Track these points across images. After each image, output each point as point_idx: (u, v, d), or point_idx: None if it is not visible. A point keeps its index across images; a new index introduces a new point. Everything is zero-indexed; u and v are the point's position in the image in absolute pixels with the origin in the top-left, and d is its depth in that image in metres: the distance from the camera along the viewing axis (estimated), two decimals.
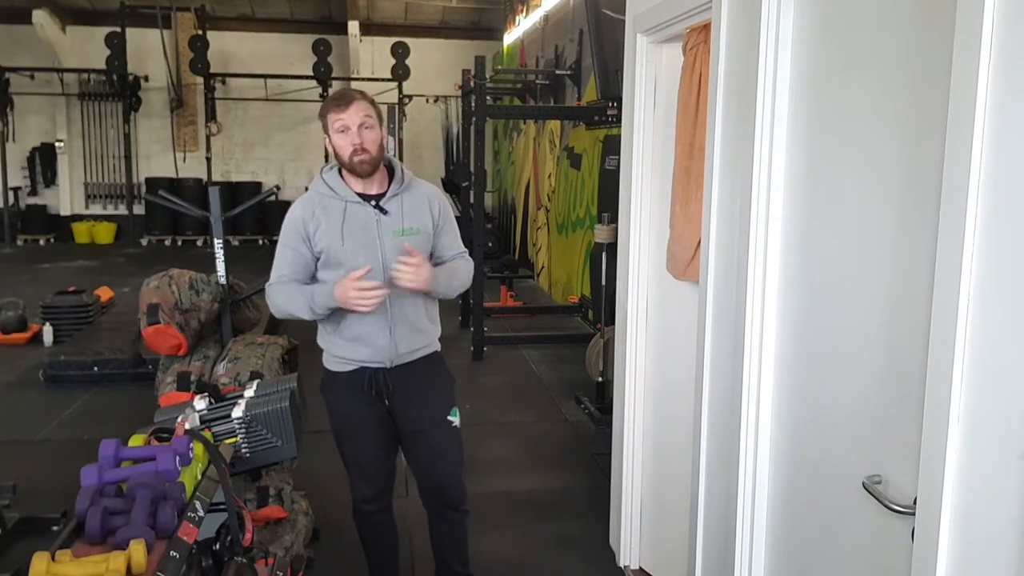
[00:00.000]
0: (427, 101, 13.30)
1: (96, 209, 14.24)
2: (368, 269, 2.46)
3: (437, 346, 2.77)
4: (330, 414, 2.75)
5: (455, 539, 2.90)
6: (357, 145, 2.48)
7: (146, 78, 13.82)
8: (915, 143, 1.50)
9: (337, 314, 2.58)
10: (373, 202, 2.58)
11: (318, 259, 2.60)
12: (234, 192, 12.87)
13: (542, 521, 3.85)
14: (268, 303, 2.68)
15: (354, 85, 13.75)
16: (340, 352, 2.65)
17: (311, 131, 14.20)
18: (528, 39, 10.84)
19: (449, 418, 2.74)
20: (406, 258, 2.47)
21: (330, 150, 2.57)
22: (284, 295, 2.59)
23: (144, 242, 13.76)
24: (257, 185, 14.10)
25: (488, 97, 7.66)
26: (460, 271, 2.71)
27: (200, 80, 13.49)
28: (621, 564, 3.34)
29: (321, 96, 13.14)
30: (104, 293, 7.90)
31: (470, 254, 2.83)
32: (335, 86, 13.30)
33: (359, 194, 2.58)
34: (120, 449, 1.91)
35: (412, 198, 2.63)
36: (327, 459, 4.12)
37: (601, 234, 5.00)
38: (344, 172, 2.59)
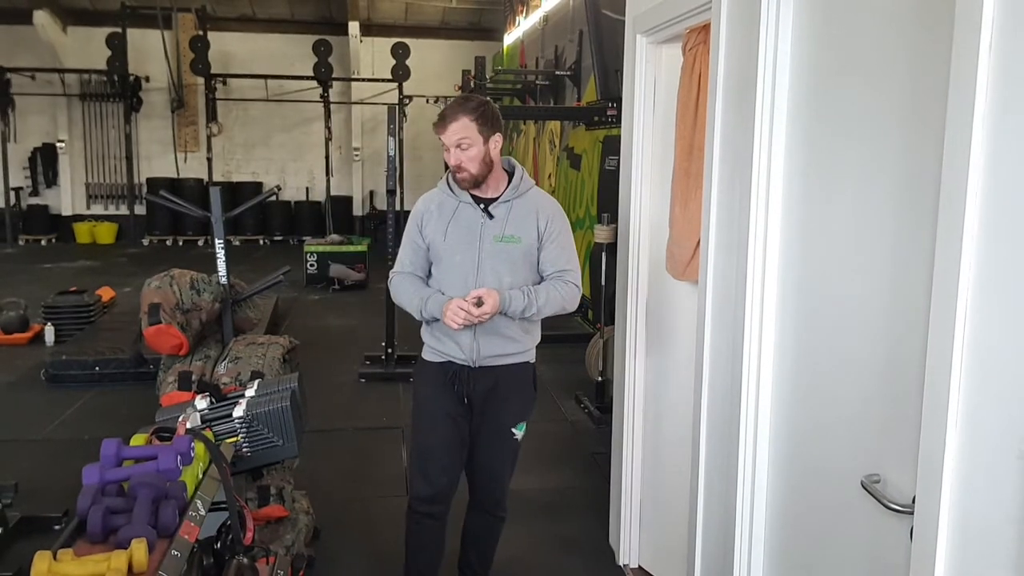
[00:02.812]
0: (427, 101, 13.28)
1: (97, 209, 14.24)
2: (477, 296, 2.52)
3: (529, 357, 2.80)
4: (414, 400, 2.84)
5: (483, 537, 2.98)
6: (455, 165, 2.61)
7: (147, 79, 13.83)
8: (914, 143, 1.50)
9: None
10: (483, 205, 2.68)
11: (428, 250, 2.72)
12: (235, 192, 12.88)
13: (542, 520, 3.85)
14: (390, 288, 2.83)
15: (354, 86, 13.80)
16: (433, 344, 2.76)
17: (312, 131, 14.22)
18: (528, 39, 10.84)
19: (513, 430, 2.80)
20: (473, 304, 2.51)
21: None
22: (406, 290, 2.73)
23: (145, 242, 13.76)
24: (258, 185, 14.11)
25: (488, 97, 7.66)
26: (549, 295, 2.65)
27: (201, 80, 13.50)
28: (620, 563, 3.35)
29: (321, 96, 13.17)
30: (105, 293, 7.91)
31: None
32: (335, 87, 13.34)
33: (473, 196, 2.69)
34: (121, 448, 1.92)
35: (522, 206, 2.71)
36: (328, 458, 4.14)
37: (601, 234, 5.00)
38: None
